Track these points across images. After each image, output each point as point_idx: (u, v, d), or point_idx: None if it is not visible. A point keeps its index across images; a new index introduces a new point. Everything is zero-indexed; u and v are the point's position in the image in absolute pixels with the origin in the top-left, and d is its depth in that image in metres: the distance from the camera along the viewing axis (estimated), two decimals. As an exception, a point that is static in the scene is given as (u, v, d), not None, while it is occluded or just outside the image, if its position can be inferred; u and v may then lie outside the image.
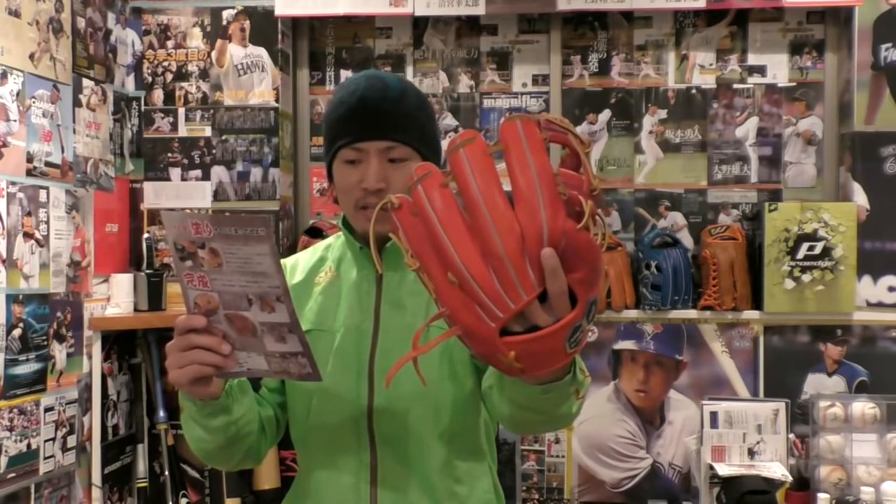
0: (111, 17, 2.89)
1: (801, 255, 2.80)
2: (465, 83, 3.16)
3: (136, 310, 2.86)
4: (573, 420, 1.22)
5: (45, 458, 2.46)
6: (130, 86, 3.01)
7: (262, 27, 3.00)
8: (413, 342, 0.95)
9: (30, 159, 2.40)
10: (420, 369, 0.96)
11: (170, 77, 3.03)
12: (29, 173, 2.40)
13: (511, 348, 0.88)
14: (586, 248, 0.87)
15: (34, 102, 2.43)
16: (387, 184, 1.35)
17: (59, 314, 2.53)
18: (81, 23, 2.69)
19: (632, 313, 2.91)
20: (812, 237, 2.79)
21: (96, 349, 2.70)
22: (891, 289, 2.84)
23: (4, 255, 2.29)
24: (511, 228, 0.85)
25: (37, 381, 2.42)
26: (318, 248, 1.53)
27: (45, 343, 2.46)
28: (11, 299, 2.32)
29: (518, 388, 1.09)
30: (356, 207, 1.38)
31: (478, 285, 0.86)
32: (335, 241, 1.51)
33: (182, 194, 3.03)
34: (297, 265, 1.51)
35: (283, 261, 1.51)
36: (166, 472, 2.89)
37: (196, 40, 3.02)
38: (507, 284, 0.86)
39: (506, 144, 0.88)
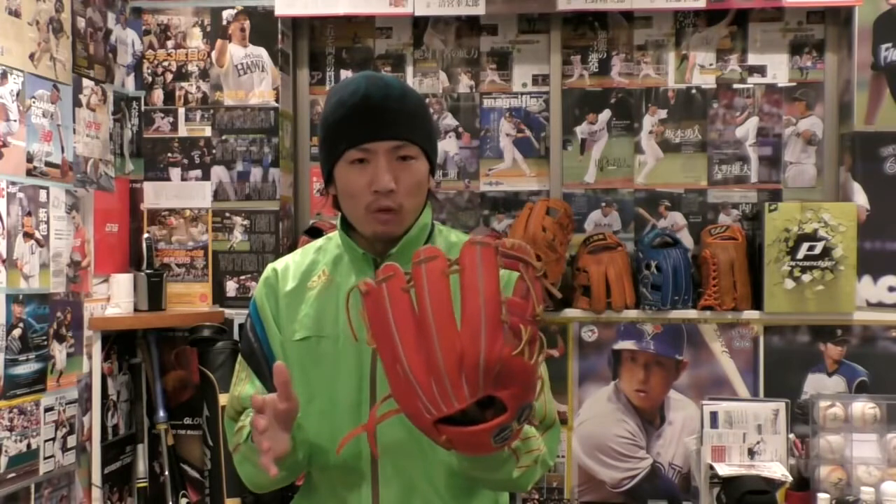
0: (111, 17, 2.89)
1: (801, 255, 2.80)
2: (465, 83, 3.15)
3: (135, 310, 2.86)
4: (522, 486, 1.32)
5: (45, 458, 2.46)
6: (130, 86, 3.01)
7: (262, 27, 3.00)
8: (370, 416, 1.10)
9: (30, 159, 2.40)
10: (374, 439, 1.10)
11: (170, 77, 3.03)
12: (29, 173, 2.40)
13: (444, 433, 1.03)
14: (519, 370, 0.99)
15: (34, 102, 2.43)
16: (397, 184, 1.32)
17: (59, 314, 2.53)
18: (81, 23, 2.69)
19: (632, 313, 2.90)
20: (812, 237, 2.79)
21: (96, 349, 2.70)
22: (891, 289, 2.84)
23: (4, 255, 2.29)
24: (452, 348, 0.98)
25: (37, 381, 2.42)
26: (309, 249, 1.49)
27: (45, 343, 2.46)
28: (11, 299, 2.32)
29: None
30: (368, 211, 1.34)
31: (419, 387, 1.00)
32: (326, 243, 1.48)
33: (182, 194, 3.03)
34: (289, 269, 1.46)
35: (272, 265, 1.49)
36: (166, 472, 2.89)
37: (196, 40, 3.02)
38: (441, 392, 1.00)
39: (463, 267, 1.00)
